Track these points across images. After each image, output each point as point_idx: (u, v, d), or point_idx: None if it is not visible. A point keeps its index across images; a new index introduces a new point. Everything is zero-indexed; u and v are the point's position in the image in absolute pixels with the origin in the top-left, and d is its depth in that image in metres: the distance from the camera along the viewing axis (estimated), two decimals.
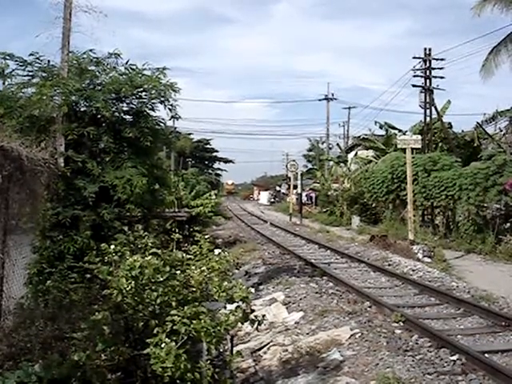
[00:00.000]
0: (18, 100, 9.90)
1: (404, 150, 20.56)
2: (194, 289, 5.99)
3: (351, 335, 8.42)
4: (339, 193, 35.30)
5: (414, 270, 14.50)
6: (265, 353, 8.23)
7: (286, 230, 28.62)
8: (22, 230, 8.49)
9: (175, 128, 32.30)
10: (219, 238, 24.63)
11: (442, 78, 28.78)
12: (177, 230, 8.47)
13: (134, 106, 10.79)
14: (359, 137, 42.01)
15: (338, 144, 53.24)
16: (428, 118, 28.63)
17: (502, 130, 30.53)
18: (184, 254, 6.86)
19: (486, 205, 19.61)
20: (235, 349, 6.38)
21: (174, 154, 42.29)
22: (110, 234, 9.29)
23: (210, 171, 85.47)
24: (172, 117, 11.14)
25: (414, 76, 28.95)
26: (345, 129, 56.20)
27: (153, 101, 10.74)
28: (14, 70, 10.07)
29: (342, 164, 39.93)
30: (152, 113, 10.86)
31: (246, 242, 22.83)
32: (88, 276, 6.89)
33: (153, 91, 10.56)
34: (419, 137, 20.82)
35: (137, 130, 10.21)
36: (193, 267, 6.25)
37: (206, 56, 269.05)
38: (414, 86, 29.01)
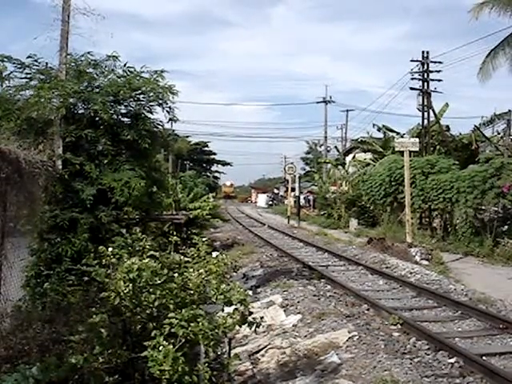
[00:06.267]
0: (16, 102, 9.90)
1: (402, 153, 20.61)
2: (192, 291, 5.97)
3: (349, 338, 8.42)
4: (337, 195, 35.31)
5: (411, 273, 14.51)
6: (263, 355, 8.21)
7: (283, 233, 28.62)
8: (20, 233, 8.48)
9: (173, 130, 32.26)
10: (217, 240, 24.61)
11: (439, 80, 28.92)
12: (174, 233, 8.43)
13: (132, 109, 10.79)
14: (357, 139, 42.03)
15: (335, 147, 53.32)
16: (426, 121, 28.68)
17: (499, 133, 30.65)
18: (182, 257, 6.85)
19: (483, 207, 19.66)
20: (233, 351, 6.35)
21: (171, 157, 42.22)
22: (108, 236, 9.28)
23: (207, 174, 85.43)
24: (170, 119, 11.16)
25: (412, 79, 29.08)
26: (343, 131, 56.29)
27: (151, 103, 10.76)
28: (11, 73, 10.07)
29: (339, 167, 39.98)
30: (150, 115, 10.88)
31: (243, 245, 22.81)
32: (86, 278, 6.86)
33: (151, 94, 10.58)
34: (417, 140, 20.86)
35: (135, 133, 10.21)
36: (191, 270, 6.23)
37: (206, 59, 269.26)
38: (411, 88, 29.11)
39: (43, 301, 8.49)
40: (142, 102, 10.75)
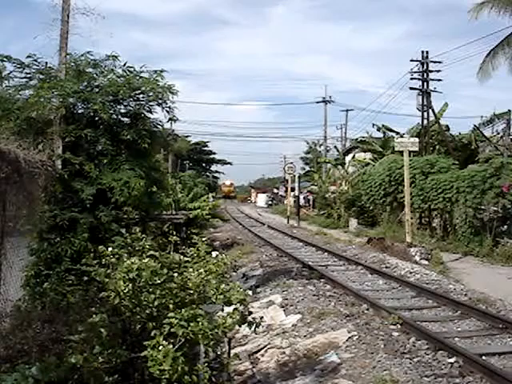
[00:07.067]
0: (16, 102, 9.90)
1: (401, 153, 20.62)
2: (192, 291, 5.98)
3: (349, 338, 8.42)
4: (337, 195, 35.30)
5: (411, 273, 14.50)
6: (262, 355, 8.22)
7: (283, 233, 28.61)
8: (20, 232, 8.48)
9: (173, 130, 32.34)
10: (217, 240, 24.62)
11: (439, 80, 28.94)
12: (174, 233, 8.45)
13: (131, 109, 10.79)
14: (357, 139, 42.04)
15: (335, 146, 53.30)
16: (425, 121, 28.68)
17: (499, 133, 30.59)
18: (181, 257, 6.86)
19: (483, 207, 19.64)
20: (233, 351, 6.36)
21: (171, 157, 42.25)
22: (108, 236, 9.28)
23: (207, 174, 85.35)
24: (170, 119, 11.16)
25: (412, 79, 29.08)
26: (342, 131, 56.25)
27: (150, 103, 10.75)
28: (11, 72, 10.09)
29: (339, 166, 39.97)
30: (150, 115, 10.89)
31: (243, 245, 22.81)
32: (85, 278, 6.88)
33: (150, 93, 10.57)
34: (416, 139, 20.86)
35: (134, 133, 10.21)
36: (190, 270, 6.24)
37: (205, 58, 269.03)
38: (411, 88, 29.10)
39: (43, 300, 8.49)
40: (142, 102, 10.75)
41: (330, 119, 77.91)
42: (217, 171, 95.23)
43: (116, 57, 10.64)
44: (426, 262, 16.60)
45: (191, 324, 5.06)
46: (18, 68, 10.11)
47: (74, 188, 9.59)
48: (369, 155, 36.14)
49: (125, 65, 10.82)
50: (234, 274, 14.18)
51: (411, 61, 28.86)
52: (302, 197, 45.79)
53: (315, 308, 10.51)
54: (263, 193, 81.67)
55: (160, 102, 10.67)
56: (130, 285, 5.49)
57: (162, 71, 10.75)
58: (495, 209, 19.32)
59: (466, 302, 10.75)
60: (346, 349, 8.02)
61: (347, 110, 55.48)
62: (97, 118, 10.19)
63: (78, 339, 5.52)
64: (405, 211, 19.56)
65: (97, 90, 10.40)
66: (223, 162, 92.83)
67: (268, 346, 8.53)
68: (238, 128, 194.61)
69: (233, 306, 5.79)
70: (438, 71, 28.71)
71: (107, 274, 5.83)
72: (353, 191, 32.82)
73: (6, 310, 7.54)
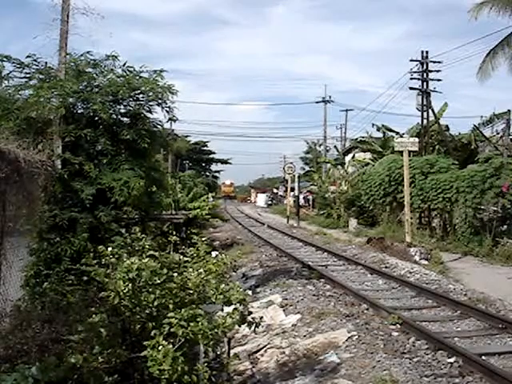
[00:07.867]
0: (15, 102, 9.90)
1: (401, 153, 20.61)
2: (191, 291, 5.98)
3: (348, 338, 8.42)
4: (336, 195, 35.28)
5: (411, 273, 14.51)
6: (262, 355, 8.21)
7: (283, 233, 28.60)
8: (19, 232, 8.47)
9: (172, 130, 32.36)
10: (216, 240, 24.60)
11: (439, 80, 28.92)
12: (174, 233, 8.45)
13: (131, 108, 10.80)
14: (356, 139, 42.03)
15: (335, 146, 53.31)
16: (425, 121, 28.66)
17: (498, 133, 30.59)
18: (181, 257, 6.86)
19: (483, 207, 19.65)
20: (232, 351, 6.37)
21: (171, 156, 42.25)
22: (107, 236, 9.29)
23: (207, 173, 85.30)
24: (169, 119, 11.17)
25: (411, 78, 29.06)
26: (342, 131, 56.26)
27: (150, 103, 10.76)
28: (11, 72, 10.09)
29: (339, 166, 39.96)
30: (149, 115, 10.90)
31: (243, 245, 22.81)
32: (85, 278, 6.87)
33: (150, 93, 10.58)
34: (416, 139, 20.87)
35: (134, 132, 10.21)
36: (190, 269, 6.24)
37: (205, 58, 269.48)
38: (411, 88, 29.07)
39: (42, 300, 8.48)
40: (142, 102, 10.76)
41: (330, 119, 78.18)
42: (216, 171, 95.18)
43: (116, 57, 10.65)
44: (426, 262, 16.60)
45: (191, 324, 5.06)
46: (18, 68, 10.11)
47: (73, 188, 9.60)
48: (368, 155, 36.12)
49: (124, 65, 10.83)
50: (234, 273, 14.17)
51: (411, 61, 28.86)
52: (301, 197, 45.81)
53: (315, 308, 10.51)
54: (263, 193, 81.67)
55: (160, 101, 10.67)
56: (130, 285, 5.49)
57: (161, 71, 10.76)
58: (495, 209, 19.34)
59: (465, 302, 10.76)
60: (346, 349, 8.01)
61: (347, 110, 55.54)
62: (96, 118, 10.19)
63: (77, 339, 5.53)
64: (404, 211, 19.56)
65: (96, 89, 10.41)
66: (222, 161, 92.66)
67: (268, 346, 8.52)
68: (238, 128, 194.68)
69: (232, 306, 5.80)
70: (438, 71, 28.71)
71: (107, 273, 5.82)
72: (352, 191, 32.79)
73: (5, 310, 7.54)
